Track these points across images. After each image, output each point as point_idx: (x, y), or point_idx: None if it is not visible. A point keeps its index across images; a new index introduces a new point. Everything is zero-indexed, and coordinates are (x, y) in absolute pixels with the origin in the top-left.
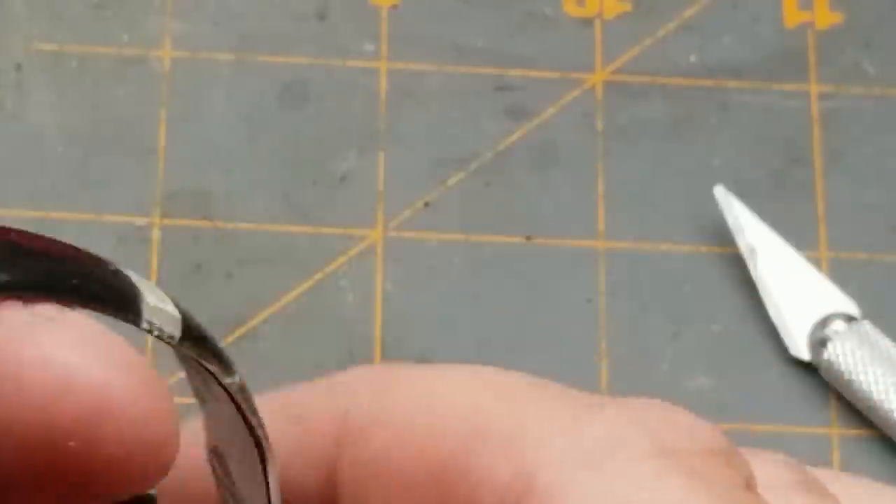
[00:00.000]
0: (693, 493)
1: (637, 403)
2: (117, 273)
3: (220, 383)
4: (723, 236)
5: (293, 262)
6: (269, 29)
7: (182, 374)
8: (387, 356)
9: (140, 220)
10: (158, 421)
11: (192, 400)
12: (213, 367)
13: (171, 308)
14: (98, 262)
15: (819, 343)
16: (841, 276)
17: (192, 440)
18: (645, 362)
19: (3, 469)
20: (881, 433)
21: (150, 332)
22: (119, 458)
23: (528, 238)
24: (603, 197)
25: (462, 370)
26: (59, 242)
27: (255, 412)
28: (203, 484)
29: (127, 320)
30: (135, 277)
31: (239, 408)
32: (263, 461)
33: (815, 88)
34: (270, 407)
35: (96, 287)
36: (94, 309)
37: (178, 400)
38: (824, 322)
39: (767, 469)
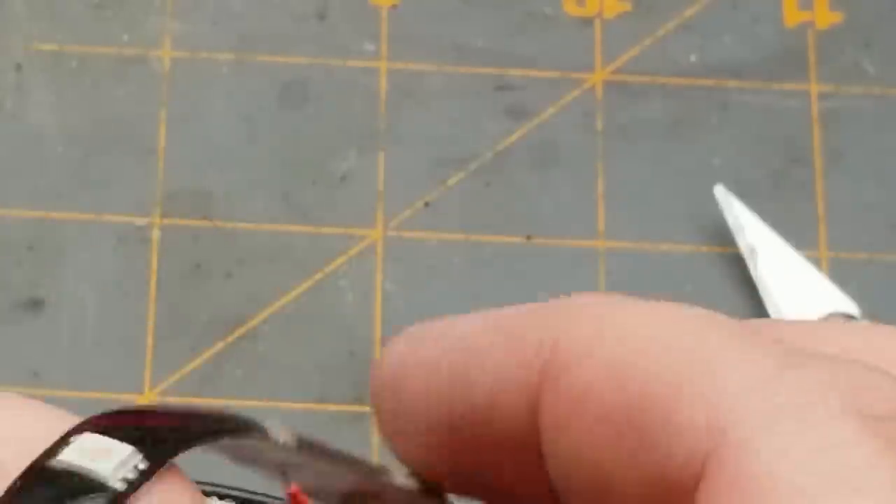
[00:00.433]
0: (884, 459)
1: (839, 361)
2: (221, 412)
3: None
4: (723, 236)
5: (293, 261)
6: (269, 29)
7: (182, 374)
8: None
9: (140, 220)
10: None
11: (192, 399)
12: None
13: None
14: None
15: None
16: (841, 275)
17: None
18: None
19: None
20: None
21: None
22: None
23: (528, 238)
24: (603, 197)
25: (674, 309)
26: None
27: None
28: None
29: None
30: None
31: None
32: None
33: (815, 88)
34: (484, 325)
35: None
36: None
37: (177, 398)
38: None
39: None
